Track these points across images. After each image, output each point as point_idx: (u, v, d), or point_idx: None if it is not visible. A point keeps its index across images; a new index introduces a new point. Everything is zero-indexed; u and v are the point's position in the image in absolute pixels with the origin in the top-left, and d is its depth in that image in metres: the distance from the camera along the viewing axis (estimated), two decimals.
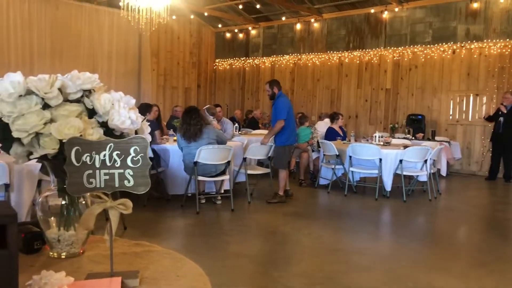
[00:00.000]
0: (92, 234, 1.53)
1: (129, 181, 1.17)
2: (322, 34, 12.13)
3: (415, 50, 10.45)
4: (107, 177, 1.15)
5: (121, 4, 8.17)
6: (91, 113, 1.34)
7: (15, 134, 1.21)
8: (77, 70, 1.38)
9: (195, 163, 5.64)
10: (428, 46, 10.23)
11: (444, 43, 9.98)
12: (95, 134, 1.29)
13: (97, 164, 1.14)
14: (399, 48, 10.67)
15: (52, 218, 1.36)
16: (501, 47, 9.31)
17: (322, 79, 12.21)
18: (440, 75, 10.18)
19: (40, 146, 1.23)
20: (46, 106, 1.24)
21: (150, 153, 5.86)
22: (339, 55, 11.75)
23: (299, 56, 12.59)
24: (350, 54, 11.55)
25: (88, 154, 1.14)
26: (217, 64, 14.63)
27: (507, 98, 8.64)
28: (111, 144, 1.15)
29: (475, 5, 9.48)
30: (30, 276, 1.09)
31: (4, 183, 3.41)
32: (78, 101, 1.33)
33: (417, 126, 9.86)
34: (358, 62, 11.43)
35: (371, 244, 4.69)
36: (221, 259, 4.00)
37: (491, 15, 9.40)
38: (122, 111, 1.35)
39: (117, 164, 1.15)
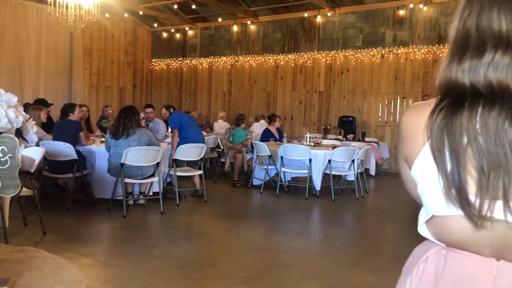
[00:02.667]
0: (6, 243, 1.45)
1: None
2: (259, 37, 12.25)
3: (347, 54, 10.79)
4: None
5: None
6: None
7: None
8: None
9: (122, 164, 5.50)
10: (359, 50, 10.60)
11: (373, 48, 10.39)
12: None
13: None
14: (332, 51, 10.98)
15: None
16: (425, 52, 9.83)
17: (258, 81, 12.33)
18: (369, 78, 10.58)
19: None
20: None
21: (74, 155, 5.67)
22: (275, 57, 11.92)
23: (236, 58, 12.64)
24: (285, 57, 11.75)
25: None
26: (153, 64, 14.38)
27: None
28: None
29: (401, 12, 9.94)
30: None
31: None
32: None
33: (348, 128, 10.20)
34: (293, 65, 11.64)
35: (297, 243, 4.78)
36: (144, 263, 3.92)
37: (416, 22, 9.91)
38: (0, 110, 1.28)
39: None
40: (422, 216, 0.94)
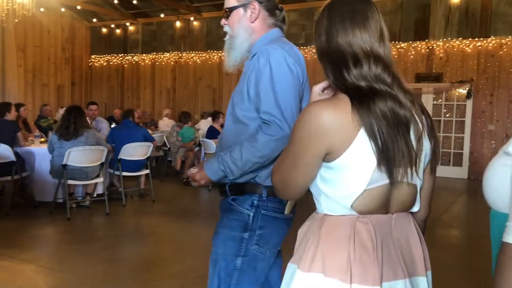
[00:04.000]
0: None
1: None
2: (202, 33, 12.17)
3: None
4: None
5: None
6: None
7: None
8: None
9: (65, 166, 5.30)
10: (301, 47, 10.81)
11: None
12: None
13: None
14: None
15: None
16: None
17: (203, 78, 12.25)
18: (312, 76, 10.78)
19: None
20: None
21: (12, 157, 5.39)
22: (219, 54, 11.89)
23: (180, 54, 12.49)
24: None
25: None
26: (93, 60, 13.90)
27: None
28: None
29: None
30: None
31: None
32: None
33: None
34: None
35: None
36: (92, 267, 3.81)
37: None
38: None
39: None
40: (346, 197, 1.13)
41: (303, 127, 1.13)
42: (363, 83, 1.12)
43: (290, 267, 1.24)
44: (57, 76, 12.88)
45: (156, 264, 3.96)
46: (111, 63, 13.65)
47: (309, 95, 1.66)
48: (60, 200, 5.62)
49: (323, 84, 1.24)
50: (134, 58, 13.23)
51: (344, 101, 1.11)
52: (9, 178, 5.51)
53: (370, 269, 1.09)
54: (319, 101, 1.15)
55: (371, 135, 1.08)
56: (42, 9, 11.07)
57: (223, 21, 1.90)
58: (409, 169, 1.14)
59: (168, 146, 8.83)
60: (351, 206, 1.13)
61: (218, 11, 11.65)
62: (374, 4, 1.20)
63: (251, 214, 1.73)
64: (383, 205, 1.15)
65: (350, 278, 1.09)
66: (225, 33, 1.90)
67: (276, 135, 1.60)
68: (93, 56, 13.88)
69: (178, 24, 12.34)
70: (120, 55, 13.48)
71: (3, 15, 7.86)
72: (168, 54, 12.67)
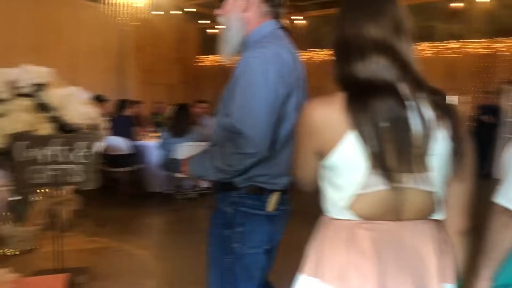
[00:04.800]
0: (68, 231, 1.51)
1: (77, 177, 1.15)
2: (306, 32, 12.14)
3: None
4: (55, 172, 1.14)
5: None
6: (43, 108, 1.32)
7: None
8: (55, 67, 1.36)
9: (174, 159, 5.62)
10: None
11: (424, 42, 10.08)
12: (46, 129, 1.28)
13: (46, 159, 1.13)
14: None
15: (5, 214, 1.34)
16: (482, 46, 9.43)
17: (308, 77, 12.20)
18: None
19: None
20: None
21: (129, 150, 5.85)
22: (324, 53, 11.79)
23: None
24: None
25: (37, 149, 1.12)
26: (201, 60, 14.57)
27: (489, 98, 8.80)
28: (58, 139, 1.14)
29: (455, 5, 9.58)
30: None
31: None
32: (30, 95, 1.31)
33: None
34: None
35: None
36: (196, 256, 3.98)
37: (472, 14, 9.51)
38: (74, 106, 1.33)
39: (64, 159, 1.14)
40: (340, 199, 1.09)
41: (299, 124, 1.14)
42: (362, 77, 1.06)
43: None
44: (169, 75, 13.72)
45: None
46: (218, 62, 14.16)
47: (301, 97, 1.70)
48: (169, 192, 5.97)
49: None
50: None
51: (339, 98, 1.07)
52: (126, 169, 5.98)
53: (368, 276, 1.04)
54: (314, 99, 1.12)
55: (361, 136, 1.02)
56: (156, 12, 11.87)
57: (217, 11, 1.78)
58: (413, 174, 1.05)
59: None
60: (349, 209, 1.09)
61: (322, 10, 11.57)
62: None
63: (231, 211, 1.69)
64: (389, 211, 1.08)
65: (346, 285, 1.05)
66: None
67: (241, 150, 1.54)
68: (201, 56, 14.55)
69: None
70: None
71: (122, 19, 8.55)
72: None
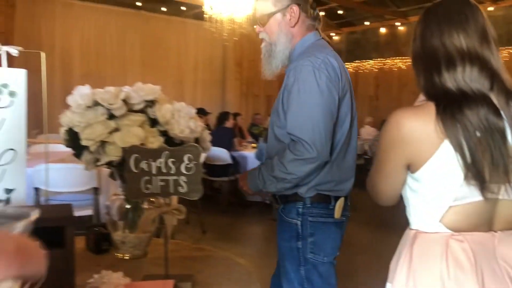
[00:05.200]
0: (172, 239, 1.60)
1: (183, 187, 1.21)
2: (408, 38, 11.67)
3: None
4: (163, 183, 1.21)
5: (205, 16, 8.50)
6: (153, 122, 1.41)
7: (83, 142, 1.31)
8: (163, 82, 1.46)
9: None
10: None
11: None
12: (156, 142, 1.36)
13: (154, 171, 1.20)
14: None
15: (118, 221, 1.45)
16: None
17: (409, 84, 11.74)
18: None
19: (105, 153, 1.33)
20: (111, 116, 1.34)
21: (229, 160, 6.05)
22: None
23: (384, 61, 12.23)
24: None
25: (146, 161, 1.20)
26: None
27: None
28: (167, 152, 1.20)
29: None
30: (93, 274, 1.18)
31: (93, 187, 3.68)
32: (141, 111, 1.41)
33: None
34: None
35: None
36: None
37: None
38: (181, 120, 1.41)
39: (172, 171, 1.21)
40: (432, 212, 1.07)
41: (385, 136, 1.12)
42: (453, 87, 1.05)
43: (387, 285, 1.20)
44: (266, 87, 14.00)
45: (351, 272, 3.93)
46: None
47: (351, 100, 1.70)
48: (267, 201, 6.06)
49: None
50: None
51: (429, 108, 1.05)
52: (226, 178, 6.19)
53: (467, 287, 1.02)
54: (402, 109, 1.10)
55: (456, 147, 1.01)
56: (255, 26, 12.19)
57: (258, 28, 1.84)
58: (505, 185, 1.03)
59: (369, 155, 8.71)
60: (440, 222, 1.07)
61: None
62: (476, 5, 1.12)
63: (299, 222, 1.66)
64: (482, 223, 1.07)
65: None
66: (261, 40, 1.85)
67: (301, 156, 1.52)
68: None
69: (382, 30, 12.11)
70: None
71: (225, 34, 8.91)
72: (372, 61, 12.54)
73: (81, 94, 1.32)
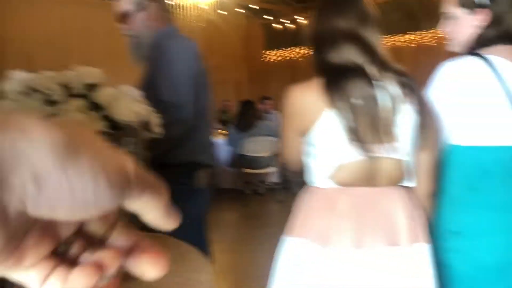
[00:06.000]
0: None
1: None
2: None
3: None
4: None
5: (170, 2, 8.33)
6: (96, 107, 1.36)
7: None
8: (129, 72, 1.40)
9: (242, 155, 5.67)
10: None
11: None
12: (98, 127, 1.31)
13: None
14: None
15: None
16: None
17: None
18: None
19: None
20: (49, 102, 1.28)
21: None
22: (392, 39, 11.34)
23: None
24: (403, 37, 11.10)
25: None
26: (266, 56, 14.59)
27: None
28: (104, 136, 1.16)
29: None
30: None
31: None
32: (82, 95, 1.35)
33: None
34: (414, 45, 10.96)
35: None
36: (266, 250, 3.99)
37: None
38: (125, 104, 1.36)
39: None
40: (323, 170, 1.24)
41: (284, 108, 1.31)
42: (337, 63, 1.23)
43: (285, 237, 1.37)
44: (235, 73, 13.90)
45: None
46: (284, 58, 14.15)
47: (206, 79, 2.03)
48: (238, 187, 6.05)
49: None
50: (309, 51, 13.45)
51: (317, 82, 1.23)
52: None
53: (347, 233, 1.18)
54: (296, 85, 1.30)
55: (341, 114, 1.17)
56: (221, 12, 12.05)
57: (122, 26, 2.06)
58: (383, 145, 1.20)
59: None
60: (330, 178, 1.23)
61: None
62: None
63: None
64: (366, 178, 1.22)
65: (326, 242, 1.19)
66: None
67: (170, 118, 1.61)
68: (266, 52, 14.57)
69: None
70: (292, 50, 13.87)
71: (192, 21, 8.77)
72: None
73: (15, 79, 1.26)
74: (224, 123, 7.64)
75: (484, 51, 1.35)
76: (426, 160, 1.28)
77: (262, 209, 5.79)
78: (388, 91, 1.20)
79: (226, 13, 12.40)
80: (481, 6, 1.35)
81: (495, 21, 1.35)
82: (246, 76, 14.17)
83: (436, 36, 8.57)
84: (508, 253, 1.31)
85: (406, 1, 10.97)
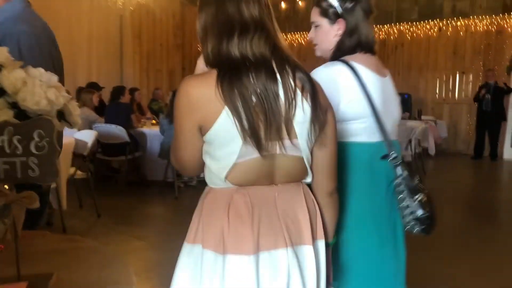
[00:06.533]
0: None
1: (34, 171, 1.00)
2: (308, 14, 11.88)
3: (401, 28, 10.26)
4: (7, 166, 0.99)
5: None
6: (1, 92, 1.16)
7: None
8: None
9: None
10: (414, 23, 10.05)
11: (430, 20, 9.81)
12: (3, 116, 1.12)
13: None
14: (385, 26, 10.48)
15: None
16: (487, 24, 9.15)
17: (308, 59, 12.02)
18: (426, 53, 10.02)
19: None
20: None
21: (126, 138, 5.71)
22: None
23: (285, 36, 12.36)
24: None
25: None
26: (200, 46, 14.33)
27: (490, 76, 8.58)
28: (10, 127, 0.98)
29: None
30: None
31: None
32: None
33: (403, 106, 9.72)
34: None
35: None
36: None
37: None
38: (36, 90, 1.17)
39: (18, 151, 0.99)
40: (220, 170, 1.15)
41: (177, 105, 1.17)
42: (238, 54, 1.13)
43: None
44: (169, 62, 13.52)
45: None
46: None
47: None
48: (170, 180, 5.85)
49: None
50: None
51: (213, 75, 1.12)
52: (123, 157, 5.85)
53: (245, 239, 1.12)
54: (189, 77, 1.17)
55: (234, 112, 1.09)
56: None
57: None
58: (280, 142, 1.14)
59: None
60: (225, 178, 1.15)
61: None
62: None
63: None
64: (263, 176, 1.17)
65: (223, 249, 1.13)
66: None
67: None
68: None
69: (283, 5, 12.19)
70: None
71: (120, 4, 8.34)
72: None
73: None
74: (154, 112, 7.37)
75: (347, 58, 1.56)
76: (324, 156, 1.25)
77: (193, 203, 5.64)
78: (286, 86, 1.14)
79: None
80: (340, 16, 1.57)
81: (351, 31, 1.57)
82: (179, 65, 13.82)
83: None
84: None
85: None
